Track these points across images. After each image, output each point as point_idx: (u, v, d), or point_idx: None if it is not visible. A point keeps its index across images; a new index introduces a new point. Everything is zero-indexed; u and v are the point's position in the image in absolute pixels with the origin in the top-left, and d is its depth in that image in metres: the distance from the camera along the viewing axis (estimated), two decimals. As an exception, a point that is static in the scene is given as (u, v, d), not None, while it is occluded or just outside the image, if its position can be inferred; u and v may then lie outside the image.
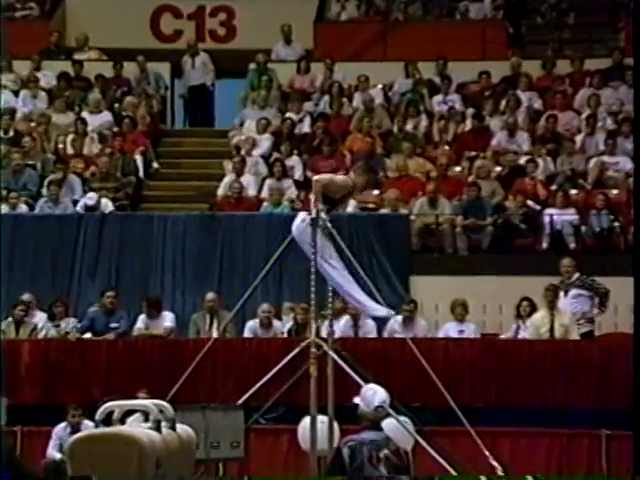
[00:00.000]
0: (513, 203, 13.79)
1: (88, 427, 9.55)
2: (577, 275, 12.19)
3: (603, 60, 16.45)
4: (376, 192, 14.32)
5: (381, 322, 11.90)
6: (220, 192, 14.54)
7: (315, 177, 8.79)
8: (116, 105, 16.31)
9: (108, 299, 12.37)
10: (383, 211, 13.90)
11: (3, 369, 10.26)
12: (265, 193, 14.41)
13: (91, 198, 14.07)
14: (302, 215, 8.76)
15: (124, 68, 16.80)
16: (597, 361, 11.28)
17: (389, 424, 7.84)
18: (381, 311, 8.80)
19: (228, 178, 14.60)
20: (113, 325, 12.26)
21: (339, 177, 8.94)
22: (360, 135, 15.15)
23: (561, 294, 12.02)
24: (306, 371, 8.74)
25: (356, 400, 6.56)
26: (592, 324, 12.17)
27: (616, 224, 13.51)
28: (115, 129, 15.72)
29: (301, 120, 15.71)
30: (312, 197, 8.67)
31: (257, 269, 10.59)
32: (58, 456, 10.09)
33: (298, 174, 14.72)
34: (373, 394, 6.53)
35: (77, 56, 17.24)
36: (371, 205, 14.18)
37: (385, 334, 11.91)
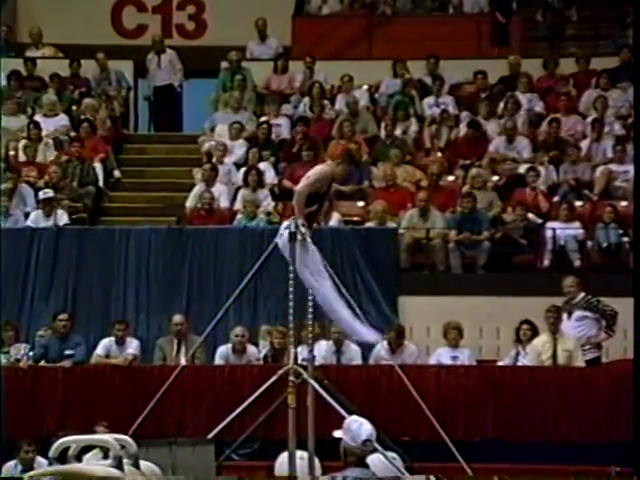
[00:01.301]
0: (512, 216, 13.84)
1: (42, 465, 9.51)
2: (582, 295, 12.23)
3: (610, 59, 16.56)
4: (361, 204, 14.37)
5: (367, 347, 11.91)
6: (189, 203, 14.54)
7: (296, 188, 8.83)
8: (73, 107, 16.29)
9: (61, 322, 12.33)
10: (369, 224, 13.93)
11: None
12: (239, 204, 14.42)
13: (46, 192, 14.02)
14: (287, 223, 8.79)
15: (82, 67, 16.79)
16: (605, 390, 11.32)
17: (375, 460, 7.83)
18: (371, 336, 8.83)
19: (198, 188, 14.61)
20: (68, 352, 12.20)
21: (316, 173, 9.01)
22: (343, 141, 15.17)
23: (564, 316, 12.07)
24: (284, 401, 8.75)
25: (337, 434, 6.55)
26: (599, 349, 12.21)
27: (625, 239, 13.57)
28: (72, 134, 15.70)
29: (278, 124, 15.74)
30: (295, 208, 8.70)
31: (230, 288, 10.60)
32: (7, 498, 10.04)
33: (270, 180, 14.71)
34: (359, 426, 6.50)
35: (30, 53, 17.22)
36: (356, 218, 14.22)
37: (371, 360, 11.91)
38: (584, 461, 11.01)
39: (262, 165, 14.83)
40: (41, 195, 14.09)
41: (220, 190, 14.59)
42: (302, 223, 8.66)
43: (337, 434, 6.56)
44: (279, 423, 9.01)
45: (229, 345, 12.03)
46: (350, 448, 6.45)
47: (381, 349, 11.61)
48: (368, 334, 8.84)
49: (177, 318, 12.34)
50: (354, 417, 6.72)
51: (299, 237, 8.65)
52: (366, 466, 6.49)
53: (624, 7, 17.69)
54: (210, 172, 14.67)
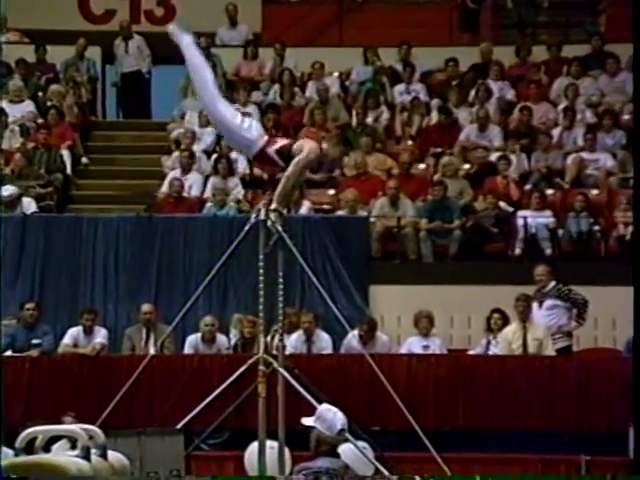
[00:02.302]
0: (483, 204, 13.88)
1: (7, 456, 9.46)
2: (553, 284, 12.28)
3: (582, 46, 16.62)
4: (332, 192, 14.37)
5: (337, 337, 11.92)
6: (163, 190, 14.45)
7: (286, 174, 8.59)
8: (40, 94, 16.19)
9: (28, 312, 12.27)
10: (340, 213, 13.93)
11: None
12: (208, 193, 14.38)
13: (7, 189, 13.89)
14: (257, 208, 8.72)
15: (48, 52, 16.68)
16: (575, 379, 11.38)
17: (346, 450, 7.84)
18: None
19: (172, 174, 14.54)
20: (35, 341, 12.15)
21: (307, 153, 8.57)
22: (314, 129, 15.15)
23: (535, 305, 12.11)
24: (254, 391, 8.74)
25: (307, 422, 6.54)
26: (569, 338, 12.26)
27: (596, 228, 13.64)
28: (39, 121, 15.60)
29: (249, 112, 15.69)
30: (275, 196, 8.62)
31: (199, 277, 10.58)
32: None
33: (242, 169, 14.69)
34: (334, 416, 6.51)
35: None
36: (326, 206, 14.22)
37: (342, 351, 11.93)
38: (554, 450, 11.08)
39: (234, 154, 14.80)
40: (4, 192, 13.89)
41: (190, 178, 14.54)
42: (275, 209, 8.60)
43: (306, 422, 6.56)
44: (249, 413, 9.01)
45: (198, 334, 12.02)
46: (324, 438, 6.46)
47: (352, 339, 11.62)
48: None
49: (146, 307, 12.31)
50: (326, 406, 6.72)
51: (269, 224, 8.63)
52: (337, 456, 6.50)
53: (595, -5, 17.79)
54: (188, 159, 14.60)
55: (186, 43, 8.79)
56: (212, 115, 8.94)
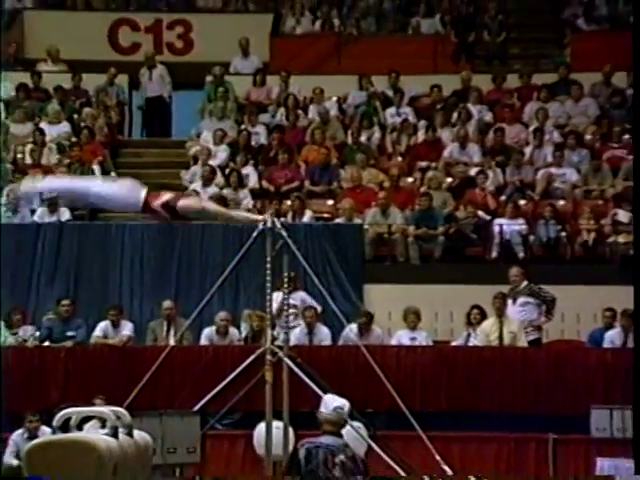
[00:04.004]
0: (464, 213, 13.87)
1: (45, 433, 9.47)
2: (525, 283, 12.27)
3: (550, 75, 16.63)
4: (331, 202, 14.37)
5: (336, 330, 11.92)
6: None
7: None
8: (75, 116, 16.19)
9: (64, 307, 12.28)
10: (338, 221, 13.92)
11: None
12: (222, 203, 14.36)
13: (51, 193, 13.90)
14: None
15: (83, 80, 16.70)
16: (544, 367, 11.36)
17: (347, 432, 7.86)
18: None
19: (191, 187, 14.51)
20: (70, 333, 12.15)
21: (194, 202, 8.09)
22: (315, 146, 15.16)
23: (510, 302, 12.10)
24: (262, 378, 8.74)
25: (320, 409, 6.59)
26: (539, 331, 12.25)
27: (563, 234, 13.64)
28: (73, 139, 15.61)
29: (257, 132, 15.70)
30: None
31: (214, 277, 10.57)
32: (15, 462, 9.99)
33: (253, 183, 14.70)
34: (332, 398, 6.56)
35: (45, 67, 17.12)
36: (326, 215, 14.22)
37: (341, 341, 11.92)
38: (526, 429, 11.07)
39: (246, 169, 14.81)
40: (45, 195, 13.94)
41: (206, 190, 14.51)
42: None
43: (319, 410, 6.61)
44: (257, 397, 9.00)
45: (213, 328, 12.01)
46: (325, 417, 6.48)
47: (350, 332, 11.61)
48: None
49: (167, 303, 12.31)
50: (330, 395, 6.75)
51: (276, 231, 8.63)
52: (340, 436, 6.51)
53: (561, 30, 17.80)
54: (209, 174, 14.56)
55: (41, 187, 8.22)
56: (93, 198, 7.71)
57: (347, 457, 6.33)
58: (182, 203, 7.71)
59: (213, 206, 8.10)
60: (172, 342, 11.52)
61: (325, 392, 7.43)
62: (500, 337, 11.78)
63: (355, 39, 17.55)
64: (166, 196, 7.73)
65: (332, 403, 6.47)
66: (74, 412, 4.12)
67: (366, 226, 13.68)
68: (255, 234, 8.71)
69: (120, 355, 11.51)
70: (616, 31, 17.25)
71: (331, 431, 6.43)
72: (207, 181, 14.48)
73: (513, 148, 15.05)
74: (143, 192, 7.62)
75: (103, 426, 4.21)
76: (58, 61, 17.20)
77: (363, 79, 16.41)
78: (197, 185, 14.51)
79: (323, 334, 12.01)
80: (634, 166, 12.11)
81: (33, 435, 9.90)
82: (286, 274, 8.90)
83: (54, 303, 12.61)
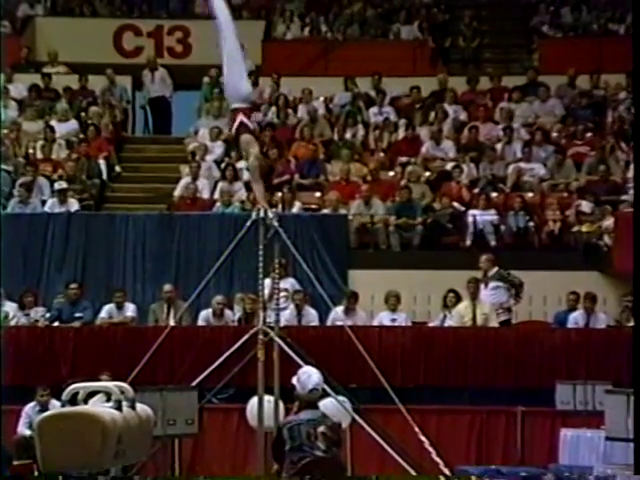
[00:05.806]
0: (440, 204, 13.88)
1: (55, 406, 9.43)
2: (496, 269, 12.30)
3: (519, 77, 16.65)
4: (318, 194, 14.36)
5: (322, 312, 11.93)
6: (177, 193, 14.46)
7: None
8: (82, 114, 16.15)
9: (72, 290, 12.27)
10: (325, 211, 13.92)
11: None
12: (217, 195, 14.36)
13: (60, 184, 13.93)
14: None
15: (89, 81, 16.65)
16: (513, 346, 11.41)
17: (328, 403, 7.86)
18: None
19: (184, 181, 14.53)
20: (78, 314, 12.14)
21: (252, 160, 8.47)
22: (304, 143, 15.16)
23: (482, 286, 12.13)
24: (254, 356, 8.74)
25: (294, 381, 6.54)
26: (509, 313, 12.29)
27: (531, 224, 13.66)
28: (81, 136, 15.55)
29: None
30: (258, 199, 8.62)
31: (210, 263, 10.56)
32: (28, 433, 9.99)
33: (246, 177, 14.66)
34: (307, 377, 6.49)
35: (46, 70, 17.05)
36: (314, 206, 14.21)
37: (328, 322, 11.93)
38: (496, 402, 11.11)
39: (240, 163, 14.77)
40: (56, 186, 13.98)
41: (202, 183, 14.52)
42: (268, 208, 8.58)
43: (293, 381, 6.57)
44: (250, 373, 9.00)
45: (210, 310, 12.01)
46: (300, 395, 6.47)
47: (336, 314, 11.62)
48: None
49: (167, 287, 12.30)
50: (304, 368, 6.71)
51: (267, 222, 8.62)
52: (317, 407, 6.50)
53: (530, 37, 17.82)
54: (196, 168, 14.60)
55: (217, 4, 8.58)
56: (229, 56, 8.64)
57: (327, 427, 6.33)
58: (246, 138, 8.20)
59: (255, 165, 8.27)
60: (172, 323, 11.51)
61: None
62: (473, 318, 11.82)
63: (341, 44, 17.54)
64: (248, 123, 8.33)
65: (307, 384, 6.41)
66: (81, 387, 4.12)
67: (350, 216, 13.69)
68: (248, 224, 8.70)
69: (124, 335, 11.51)
70: (580, 37, 17.32)
71: (307, 405, 6.41)
72: (198, 175, 14.34)
73: (486, 145, 15.07)
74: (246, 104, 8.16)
75: (108, 400, 4.21)
76: (57, 63, 17.13)
77: (348, 81, 16.40)
78: (187, 179, 14.44)
79: (311, 316, 12.03)
80: (634, 166, 12.14)
81: (44, 408, 9.90)
82: (277, 261, 8.92)
83: (63, 287, 12.60)
